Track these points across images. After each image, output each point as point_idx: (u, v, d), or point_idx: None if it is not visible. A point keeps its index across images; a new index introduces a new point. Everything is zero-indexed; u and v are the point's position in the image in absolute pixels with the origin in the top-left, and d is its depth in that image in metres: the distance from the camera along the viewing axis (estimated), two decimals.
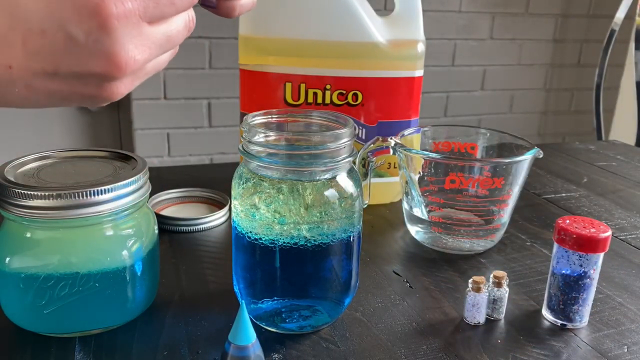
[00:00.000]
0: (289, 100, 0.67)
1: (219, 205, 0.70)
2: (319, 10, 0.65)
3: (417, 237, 0.64)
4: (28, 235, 0.42)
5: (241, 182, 0.44)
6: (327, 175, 0.43)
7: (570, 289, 0.48)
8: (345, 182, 0.44)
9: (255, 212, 0.43)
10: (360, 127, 0.69)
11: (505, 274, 0.49)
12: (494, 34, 2.08)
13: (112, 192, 0.42)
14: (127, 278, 0.44)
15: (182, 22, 0.33)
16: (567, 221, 0.48)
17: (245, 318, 0.36)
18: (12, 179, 0.42)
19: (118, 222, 0.44)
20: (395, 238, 0.65)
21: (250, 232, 0.44)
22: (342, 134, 0.43)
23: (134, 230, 0.45)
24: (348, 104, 0.68)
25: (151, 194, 0.52)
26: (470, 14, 2.02)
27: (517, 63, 2.15)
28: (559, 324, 0.49)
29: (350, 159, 0.44)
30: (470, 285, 0.48)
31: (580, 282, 0.47)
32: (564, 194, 0.80)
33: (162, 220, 0.63)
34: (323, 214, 0.43)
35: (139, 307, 0.47)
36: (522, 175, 0.59)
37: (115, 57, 0.28)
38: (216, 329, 0.46)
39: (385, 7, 1.86)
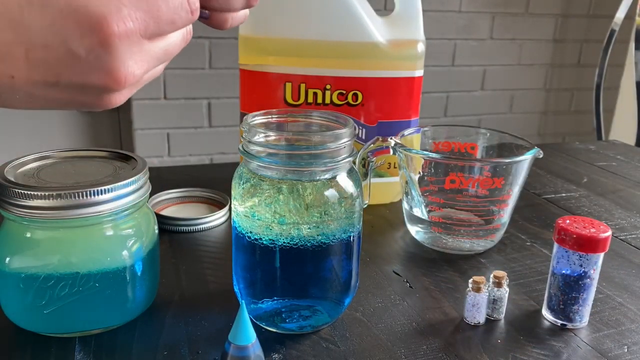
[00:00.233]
0: (289, 100, 0.67)
1: (219, 205, 0.70)
2: (319, 10, 0.65)
3: (417, 237, 0.64)
4: (28, 235, 0.42)
5: (241, 182, 0.44)
6: (327, 175, 0.43)
7: (570, 289, 0.48)
8: (345, 182, 0.44)
9: (255, 212, 0.43)
10: (360, 127, 0.69)
11: (505, 274, 0.49)
12: (494, 34, 2.08)
13: (112, 192, 0.42)
14: (127, 278, 0.44)
15: (180, 36, 0.34)
16: (567, 221, 0.48)
17: (245, 318, 0.36)
18: (12, 179, 0.42)
19: (118, 222, 0.44)
20: (395, 238, 0.65)
21: (250, 232, 0.44)
22: (342, 134, 0.43)
23: (134, 230, 0.45)
24: (348, 104, 0.68)
25: (151, 194, 0.52)
26: (470, 14, 2.02)
27: (517, 63, 2.15)
28: (559, 324, 0.49)
29: (350, 159, 0.44)
30: (470, 285, 0.48)
31: (580, 282, 0.47)
32: (564, 194, 0.80)
33: (162, 220, 0.63)
34: (323, 214, 0.43)
35: (139, 307, 0.47)
36: (522, 175, 0.59)
37: (115, 72, 0.29)
38: (216, 329, 0.46)
39: (385, 7, 1.86)
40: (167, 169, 0.89)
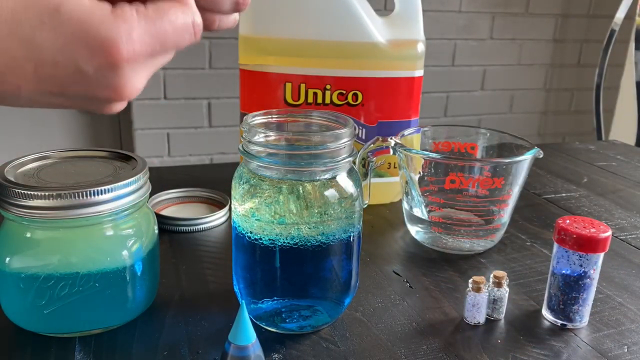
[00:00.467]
0: (289, 100, 0.67)
1: (219, 205, 0.70)
2: (319, 10, 0.65)
3: (417, 237, 0.64)
4: (28, 235, 0.42)
5: (241, 182, 0.44)
6: (327, 175, 0.43)
7: (570, 289, 0.48)
8: (345, 182, 0.44)
9: (255, 212, 0.43)
10: (360, 127, 0.69)
11: (505, 274, 0.49)
12: (494, 34, 2.08)
13: (112, 192, 0.42)
14: (127, 278, 0.44)
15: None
16: (567, 221, 0.48)
17: (245, 318, 0.36)
18: (12, 179, 0.42)
19: (118, 222, 0.44)
20: (395, 238, 0.65)
21: (250, 232, 0.44)
22: (342, 134, 0.43)
23: (134, 230, 0.45)
24: (348, 104, 0.68)
25: (151, 194, 0.52)
26: (470, 14, 2.02)
27: (517, 63, 2.15)
28: (559, 324, 0.49)
29: (350, 159, 0.44)
30: (470, 285, 0.48)
31: (580, 282, 0.47)
32: (564, 194, 0.80)
33: (162, 220, 0.63)
34: (323, 214, 0.43)
35: (139, 307, 0.47)
36: (522, 175, 0.59)
37: (120, 89, 0.30)
38: (216, 329, 0.46)
39: (385, 7, 1.86)
40: (167, 169, 0.89)
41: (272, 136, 0.44)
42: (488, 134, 0.66)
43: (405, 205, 0.64)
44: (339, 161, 0.43)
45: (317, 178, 0.43)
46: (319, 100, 0.67)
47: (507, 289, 0.49)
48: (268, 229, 0.43)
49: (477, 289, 0.48)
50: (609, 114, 2.31)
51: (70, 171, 0.46)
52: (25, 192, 0.40)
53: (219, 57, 1.79)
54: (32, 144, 1.76)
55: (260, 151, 0.43)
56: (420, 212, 0.62)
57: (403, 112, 0.70)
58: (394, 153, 0.61)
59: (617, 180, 0.88)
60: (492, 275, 0.49)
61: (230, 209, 0.67)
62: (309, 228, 0.43)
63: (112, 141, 1.91)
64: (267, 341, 0.45)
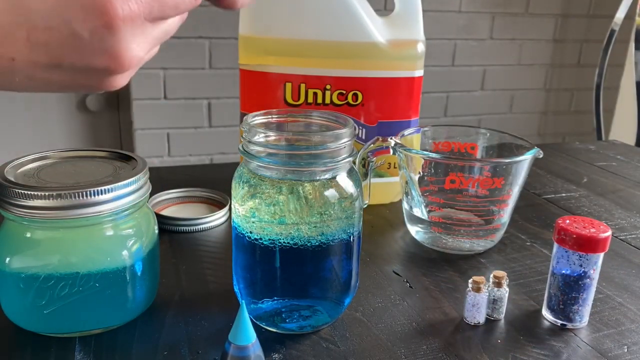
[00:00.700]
0: (289, 100, 0.67)
1: (219, 205, 0.70)
2: (319, 10, 0.65)
3: (417, 237, 0.64)
4: (28, 235, 0.42)
5: (241, 182, 0.44)
6: (327, 175, 0.43)
7: (570, 289, 0.48)
8: (345, 182, 0.44)
9: (255, 212, 0.43)
10: (360, 127, 0.69)
11: (505, 274, 0.49)
12: (494, 34, 2.08)
13: (112, 192, 0.42)
14: (127, 278, 0.44)
15: (179, 17, 0.33)
16: (567, 221, 0.48)
17: (245, 318, 0.36)
18: (12, 179, 0.42)
19: (118, 222, 0.44)
20: (395, 238, 0.65)
21: (251, 232, 0.44)
22: (342, 134, 0.43)
23: (134, 230, 0.45)
24: (348, 104, 0.68)
25: (151, 194, 0.52)
26: (470, 14, 2.02)
27: (517, 63, 2.15)
28: (559, 324, 0.49)
29: (350, 159, 0.44)
30: (470, 285, 0.48)
31: (580, 282, 0.47)
32: (564, 194, 0.80)
33: (162, 220, 0.63)
34: (323, 214, 0.43)
35: (139, 307, 0.47)
36: (522, 175, 0.59)
37: (118, 55, 0.29)
38: (216, 329, 0.46)
39: (385, 7, 1.86)
40: (167, 169, 0.89)
41: (272, 136, 0.44)
42: (488, 134, 0.66)
43: (405, 205, 0.64)
44: (339, 161, 0.43)
45: (317, 178, 0.43)
46: (319, 100, 0.67)
47: (507, 289, 0.49)
48: (268, 229, 0.43)
49: (477, 289, 0.48)
50: (609, 114, 2.31)
51: (70, 171, 0.46)
52: (25, 192, 0.40)
53: (219, 57, 1.79)
54: (32, 144, 1.76)
55: (260, 151, 0.43)
56: (420, 212, 0.62)
57: (403, 112, 0.70)
58: (394, 153, 0.61)
59: (617, 180, 0.88)
60: (492, 275, 0.49)
61: (230, 209, 0.67)
62: (309, 228, 0.43)
63: (112, 141, 1.91)
64: (267, 341, 0.45)
